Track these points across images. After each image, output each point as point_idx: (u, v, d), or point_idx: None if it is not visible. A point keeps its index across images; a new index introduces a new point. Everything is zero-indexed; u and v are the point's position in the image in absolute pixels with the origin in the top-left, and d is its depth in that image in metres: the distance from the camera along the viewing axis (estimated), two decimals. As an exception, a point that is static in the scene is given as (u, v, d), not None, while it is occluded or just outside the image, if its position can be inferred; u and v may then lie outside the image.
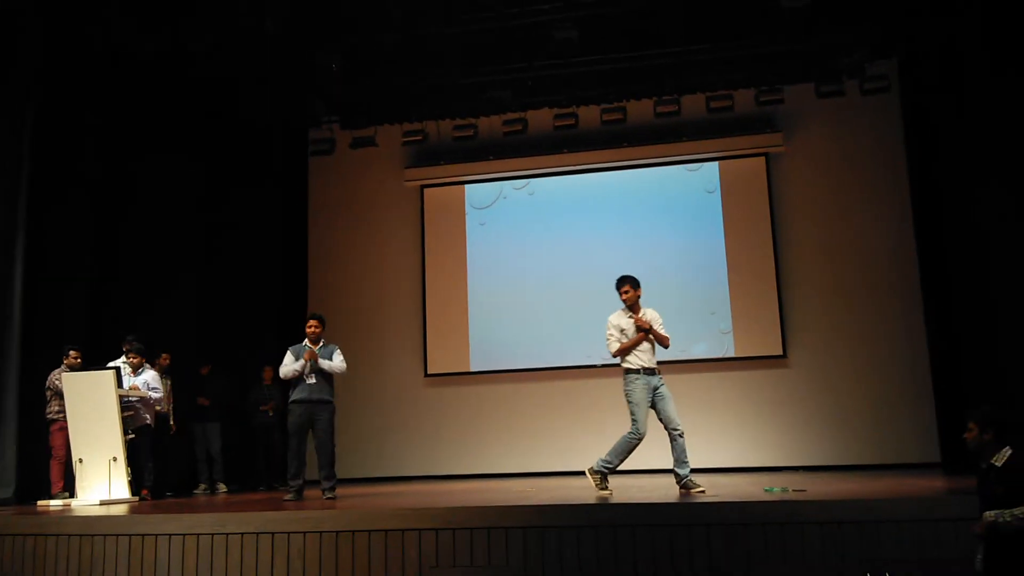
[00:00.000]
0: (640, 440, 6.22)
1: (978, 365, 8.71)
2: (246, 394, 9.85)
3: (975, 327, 8.83)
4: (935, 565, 4.41)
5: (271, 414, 9.65)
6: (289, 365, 7.07)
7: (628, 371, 6.35)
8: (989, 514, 3.82)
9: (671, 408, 6.23)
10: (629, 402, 6.28)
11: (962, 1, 8.59)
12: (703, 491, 5.98)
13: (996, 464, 3.94)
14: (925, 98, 9.74)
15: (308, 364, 6.99)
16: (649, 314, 6.47)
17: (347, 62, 9.44)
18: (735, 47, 9.64)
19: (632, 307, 6.48)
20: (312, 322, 7.19)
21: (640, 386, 6.26)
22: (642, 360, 6.32)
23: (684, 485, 6.12)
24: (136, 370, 7.92)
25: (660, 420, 6.24)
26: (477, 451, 10.96)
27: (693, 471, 6.19)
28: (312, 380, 6.99)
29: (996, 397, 8.47)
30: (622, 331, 6.42)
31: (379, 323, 11.53)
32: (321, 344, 7.15)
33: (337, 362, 7.14)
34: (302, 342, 7.17)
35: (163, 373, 8.82)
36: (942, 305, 9.41)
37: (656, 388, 6.28)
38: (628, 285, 6.48)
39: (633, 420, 6.22)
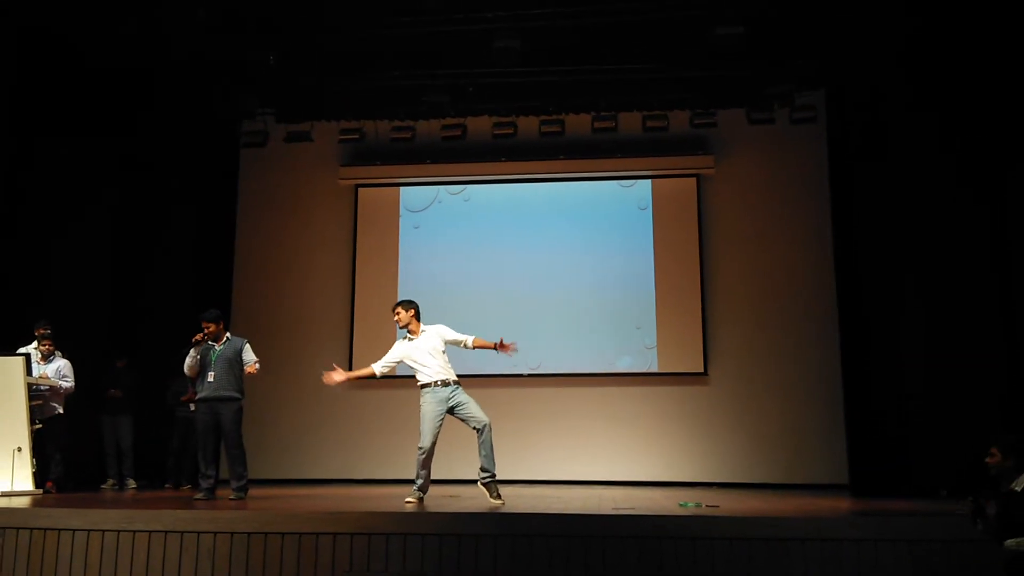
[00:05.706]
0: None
1: (886, 393, 9.07)
2: (167, 386, 9.55)
3: (886, 357, 9.20)
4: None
5: (192, 407, 9.36)
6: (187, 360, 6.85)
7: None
8: (1011, 542, 3.82)
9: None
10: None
11: (885, 39, 8.97)
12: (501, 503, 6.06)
13: (1016, 489, 4.03)
14: (848, 131, 10.09)
15: (196, 358, 6.75)
16: (435, 330, 6.58)
17: (284, 57, 9.30)
18: (672, 69, 9.82)
19: (410, 329, 6.51)
20: (203, 323, 6.78)
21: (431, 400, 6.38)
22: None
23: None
24: (47, 357, 7.63)
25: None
26: (398, 456, 10.83)
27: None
28: (212, 377, 6.72)
29: (902, 425, 8.88)
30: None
31: (305, 322, 11.33)
32: (227, 339, 6.87)
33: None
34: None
35: None
36: (857, 334, 9.72)
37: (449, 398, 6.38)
38: (399, 307, 6.55)
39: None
